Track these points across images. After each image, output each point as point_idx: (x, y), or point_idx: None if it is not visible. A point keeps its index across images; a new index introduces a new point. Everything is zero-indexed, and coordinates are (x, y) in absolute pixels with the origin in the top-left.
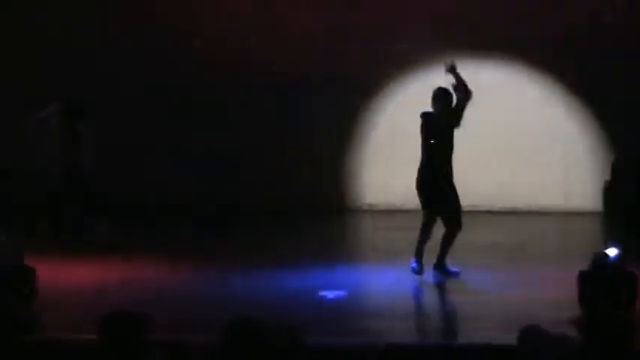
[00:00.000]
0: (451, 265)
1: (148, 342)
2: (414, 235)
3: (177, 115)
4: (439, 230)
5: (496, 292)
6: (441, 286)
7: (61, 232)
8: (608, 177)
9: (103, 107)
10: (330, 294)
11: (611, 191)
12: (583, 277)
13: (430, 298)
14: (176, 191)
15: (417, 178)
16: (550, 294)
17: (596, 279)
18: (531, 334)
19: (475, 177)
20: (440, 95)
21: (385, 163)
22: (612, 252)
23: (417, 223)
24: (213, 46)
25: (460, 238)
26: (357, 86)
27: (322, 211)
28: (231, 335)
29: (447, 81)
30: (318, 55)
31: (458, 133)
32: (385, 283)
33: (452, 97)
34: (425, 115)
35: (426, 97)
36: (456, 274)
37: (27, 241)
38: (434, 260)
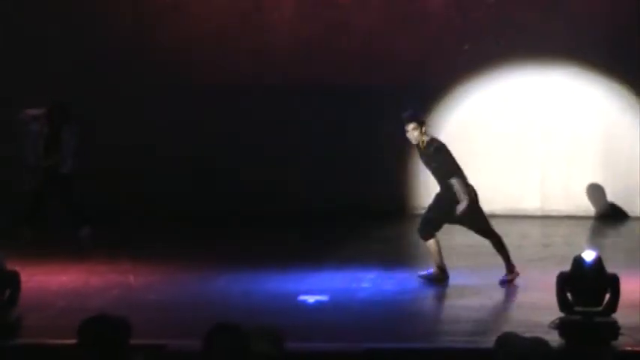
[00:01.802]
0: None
1: (129, 347)
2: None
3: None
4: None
5: (482, 296)
6: (420, 291)
7: (43, 237)
8: None
9: (98, 109)
10: (310, 298)
11: None
12: (562, 281)
13: (409, 303)
14: (173, 196)
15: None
16: (534, 297)
17: (576, 282)
18: (507, 342)
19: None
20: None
21: None
22: (590, 255)
23: None
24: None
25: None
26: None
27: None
28: (213, 340)
29: None
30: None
31: None
32: (364, 287)
33: None
34: None
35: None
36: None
37: (10, 245)
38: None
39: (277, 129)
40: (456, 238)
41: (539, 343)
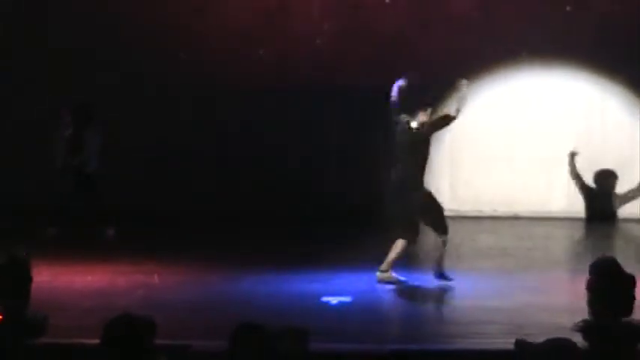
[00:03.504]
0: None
1: (153, 347)
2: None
3: (201, 118)
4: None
5: (506, 298)
6: (444, 292)
7: (69, 236)
8: None
9: (114, 110)
10: (333, 299)
11: None
12: (589, 284)
13: (433, 304)
14: (191, 196)
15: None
16: (555, 300)
17: (599, 284)
18: (524, 347)
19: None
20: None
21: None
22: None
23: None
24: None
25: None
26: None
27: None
28: (237, 340)
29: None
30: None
31: None
32: (389, 289)
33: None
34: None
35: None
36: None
37: (36, 244)
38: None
39: (302, 130)
40: (481, 239)
41: (560, 343)
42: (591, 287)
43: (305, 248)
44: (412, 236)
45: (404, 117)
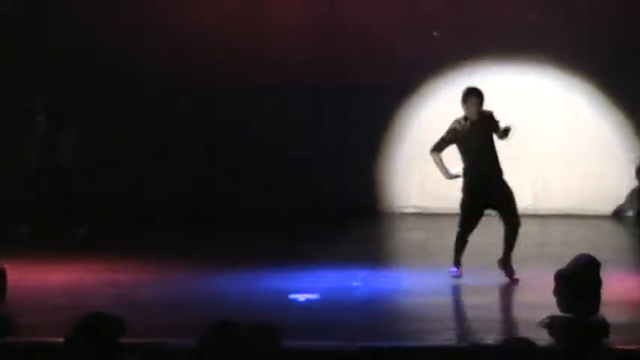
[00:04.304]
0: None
1: (122, 345)
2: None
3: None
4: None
5: (479, 295)
6: (416, 289)
7: (42, 235)
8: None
9: (95, 107)
10: (301, 297)
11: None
12: (558, 280)
13: (405, 301)
14: (166, 193)
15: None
16: (528, 296)
17: (573, 281)
18: (514, 345)
19: None
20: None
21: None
22: (585, 254)
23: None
24: (226, 46)
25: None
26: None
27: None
28: (209, 338)
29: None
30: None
31: None
32: (370, 285)
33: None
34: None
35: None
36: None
37: (7, 242)
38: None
39: (278, 128)
40: (453, 237)
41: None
42: (562, 284)
43: (289, 246)
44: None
45: None
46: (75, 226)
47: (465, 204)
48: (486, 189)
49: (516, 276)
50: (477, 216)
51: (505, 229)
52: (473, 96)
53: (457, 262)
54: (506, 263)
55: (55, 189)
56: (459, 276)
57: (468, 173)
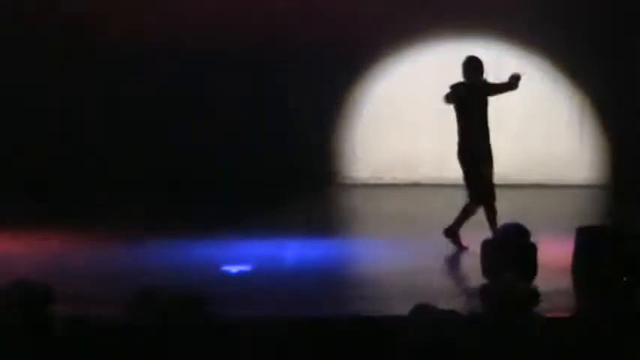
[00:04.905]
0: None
1: (49, 314)
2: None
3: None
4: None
5: (400, 263)
6: (345, 258)
7: None
8: None
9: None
10: (233, 268)
11: None
12: (486, 248)
13: (333, 271)
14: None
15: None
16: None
17: (499, 249)
18: (421, 312)
19: None
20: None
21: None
22: (513, 223)
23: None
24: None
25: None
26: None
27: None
28: (135, 308)
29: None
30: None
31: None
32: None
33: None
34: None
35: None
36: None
37: None
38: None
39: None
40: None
41: (453, 315)
42: (492, 252)
43: (234, 216)
44: None
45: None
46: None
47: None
48: (471, 154)
49: (465, 244)
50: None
51: (469, 200)
52: (470, 64)
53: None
54: (454, 233)
55: None
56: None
57: (458, 141)
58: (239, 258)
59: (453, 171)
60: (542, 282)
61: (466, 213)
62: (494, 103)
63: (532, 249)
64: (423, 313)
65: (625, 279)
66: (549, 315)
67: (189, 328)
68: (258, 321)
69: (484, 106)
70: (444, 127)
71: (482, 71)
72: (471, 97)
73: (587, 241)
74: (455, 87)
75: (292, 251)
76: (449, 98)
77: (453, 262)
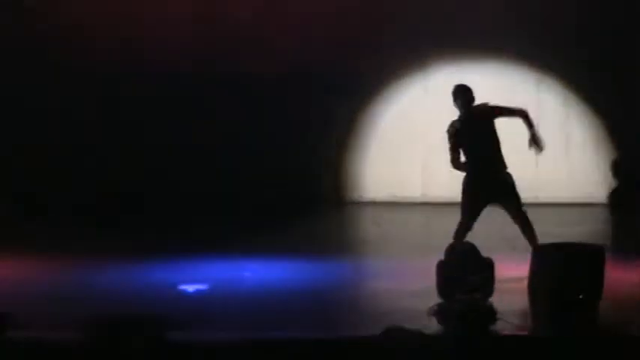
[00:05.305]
0: None
1: (6, 340)
2: None
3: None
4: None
5: (363, 284)
6: (314, 279)
7: None
8: None
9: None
10: (190, 287)
11: None
12: (441, 268)
13: (290, 292)
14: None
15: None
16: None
17: (452, 269)
18: (395, 333)
19: None
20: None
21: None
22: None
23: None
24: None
25: None
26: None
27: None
28: (94, 332)
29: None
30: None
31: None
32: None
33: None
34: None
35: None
36: None
37: None
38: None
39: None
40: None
41: (423, 337)
42: (448, 271)
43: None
44: None
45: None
46: None
47: (464, 203)
48: (487, 186)
49: None
50: (475, 215)
51: (516, 224)
52: (458, 92)
53: None
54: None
55: None
56: None
57: (468, 171)
58: (200, 278)
59: None
60: (501, 300)
61: (529, 225)
62: None
63: (488, 267)
64: (393, 334)
65: (580, 296)
66: (507, 333)
67: (145, 351)
68: (215, 343)
69: (487, 131)
70: None
71: (472, 98)
72: (468, 126)
73: (542, 259)
74: (451, 124)
75: (248, 271)
76: (450, 135)
77: (409, 282)
